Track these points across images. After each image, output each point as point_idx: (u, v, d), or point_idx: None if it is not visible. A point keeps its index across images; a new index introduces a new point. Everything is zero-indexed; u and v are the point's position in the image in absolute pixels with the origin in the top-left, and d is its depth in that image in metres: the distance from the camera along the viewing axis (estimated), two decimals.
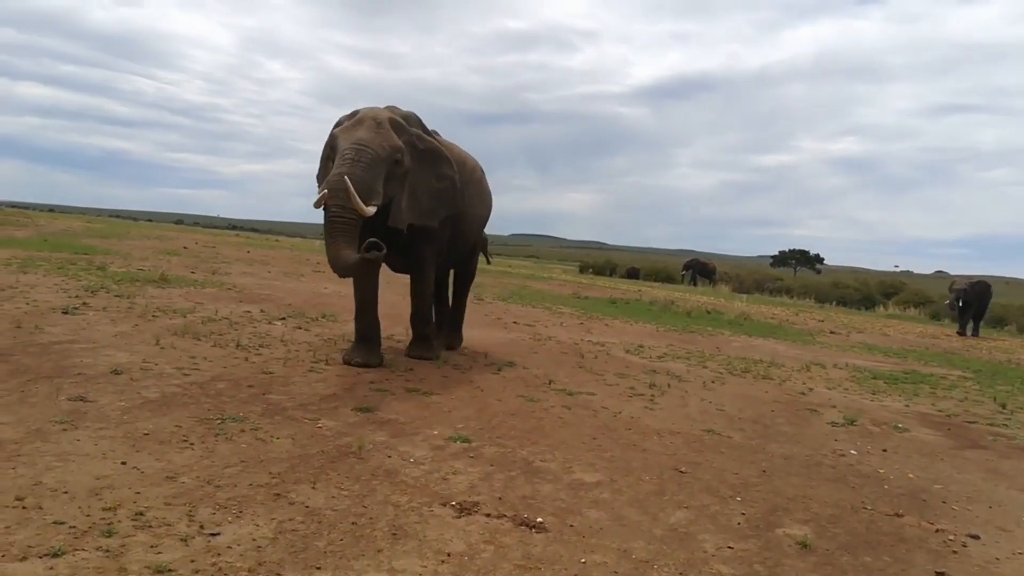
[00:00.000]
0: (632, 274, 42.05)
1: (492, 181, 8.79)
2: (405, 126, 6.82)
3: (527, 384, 6.89)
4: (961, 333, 19.24)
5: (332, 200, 5.97)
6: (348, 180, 5.85)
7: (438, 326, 8.53)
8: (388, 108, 6.98)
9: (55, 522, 2.98)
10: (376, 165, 6.21)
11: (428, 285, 7.55)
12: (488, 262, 33.32)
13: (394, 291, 10.47)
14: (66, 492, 3.29)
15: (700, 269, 39.39)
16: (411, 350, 7.54)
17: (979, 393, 9.18)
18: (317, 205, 6.18)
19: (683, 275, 39.93)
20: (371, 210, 6.02)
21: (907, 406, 7.83)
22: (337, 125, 6.82)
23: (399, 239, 6.83)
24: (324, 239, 6.23)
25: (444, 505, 3.68)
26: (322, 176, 6.96)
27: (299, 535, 3.15)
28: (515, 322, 11.81)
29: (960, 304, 19.27)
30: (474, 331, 10.05)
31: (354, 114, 6.77)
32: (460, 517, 3.56)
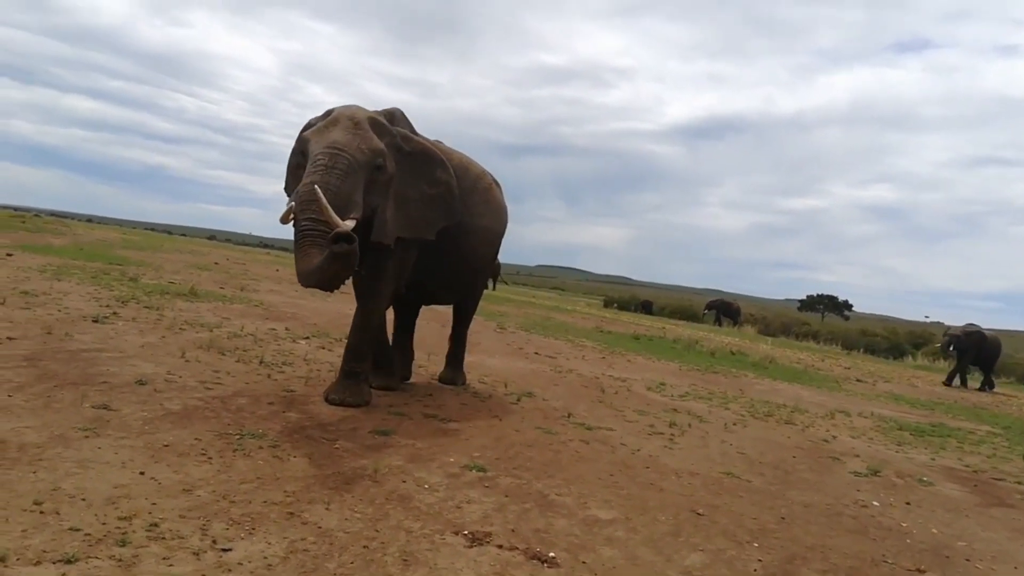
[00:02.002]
0: (646, 307, 41.77)
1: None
2: (387, 126, 5.95)
3: (546, 416, 6.85)
4: (948, 383, 18.58)
5: (302, 213, 5.13)
6: (319, 190, 5.02)
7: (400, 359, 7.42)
8: (371, 111, 6.05)
9: (71, 528, 3.01)
10: (354, 172, 5.37)
11: (376, 309, 6.22)
12: (494, 288, 33.29)
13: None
14: (83, 499, 3.32)
15: (724, 309, 39.26)
16: (334, 392, 5.98)
17: (1008, 450, 8.96)
18: (284, 220, 5.33)
19: (705, 314, 39.75)
20: (349, 224, 5.12)
21: (933, 459, 7.66)
22: (307, 127, 5.96)
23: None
24: (294, 255, 5.32)
25: (456, 534, 3.66)
26: (291, 188, 6.03)
27: (310, 555, 3.14)
28: (537, 353, 11.79)
29: (951, 349, 19.08)
30: (495, 360, 10.05)
31: (327, 113, 5.87)
32: (472, 547, 3.53)
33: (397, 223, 5.98)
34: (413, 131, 6.41)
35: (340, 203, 5.15)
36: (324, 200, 4.98)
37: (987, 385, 19.00)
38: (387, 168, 5.77)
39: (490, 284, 33.76)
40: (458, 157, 7.04)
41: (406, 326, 7.59)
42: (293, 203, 5.24)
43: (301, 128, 6.02)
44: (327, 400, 5.91)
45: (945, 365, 26.87)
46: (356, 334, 6.11)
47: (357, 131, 5.57)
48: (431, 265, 6.69)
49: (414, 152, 6.17)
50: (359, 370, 6.08)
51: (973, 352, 18.86)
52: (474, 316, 8.39)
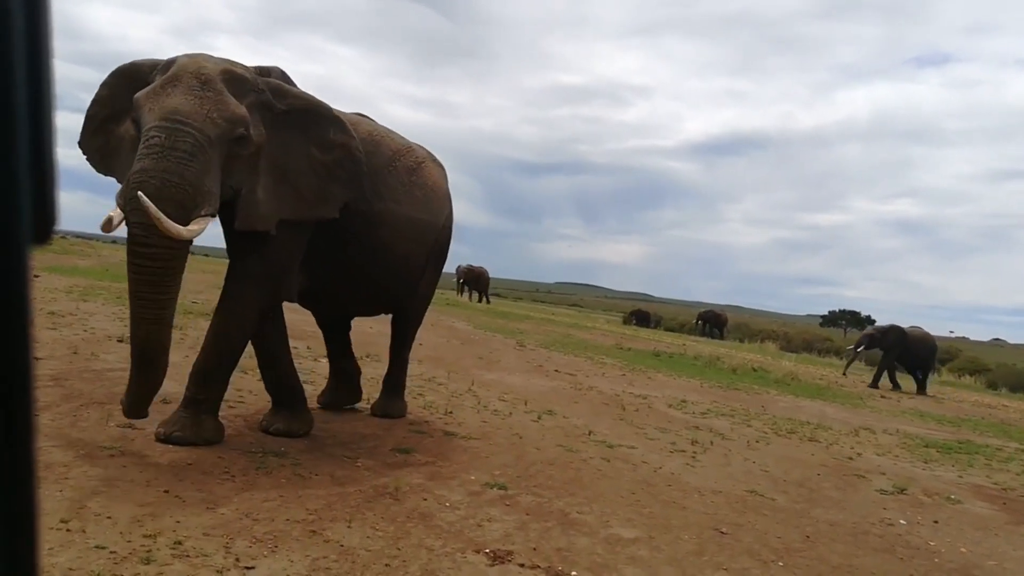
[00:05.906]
0: (641, 319, 41.84)
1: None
2: (249, 79, 4.52)
3: (567, 434, 6.83)
4: (873, 384, 17.63)
5: (131, 215, 3.91)
6: (143, 197, 3.76)
7: (337, 381, 6.62)
8: (227, 61, 4.55)
9: (97, 546, 3.04)
10: (202, 152, 4.04)
11: (241, 321, 4.82)
12: (488, 302, 32.98)
13: (432, 330, 10.54)
14: (109, 517, 3.35)
15: (713, 320, 41.02)
16: (164, 424, 4.63)
17: None
18: (107, 228, 3.99)
19: (696, 324, 41.06)
20: (195, 228, 4.01)
21: (960, 477, 7.53)
22: (131, 69, 4.61)
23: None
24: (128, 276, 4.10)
25: (478, 552, 3.65)
26: (95, 149, 4.72)
27: (332, 573, 3.15)
28: (556, 370, 11.76)
29: (859, 349, 18.53)
30: (515, 377, 10.04)
31: (167, 65, 4.32)
32: (493, 565, 3.52)
33: (280, 202, 4.63)
34: (292, 85, 5.03)
35: (183, 197, 3.96)
36: (154, 209, 3.77)
37: (920, 388, 17.67)
38: (251, 138, 4.42)
39: (467, 295, 33.47)
40: (368, 127, 5.60)
41: (338, 348, 6.87)
42: (118, 205, 4.00)
43: (120, 67, 4.69)
44: (156, 436, 4.57)
45: (973, 381, 26.43)
46: (207, 352, 4.81)
47: (206, 93, 4.17)
48: (326, 267, 5.32)
49: (294, 110, 4.78)
50: (202, 398, 4.72)
51: (896, 351, 17.65)
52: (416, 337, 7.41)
